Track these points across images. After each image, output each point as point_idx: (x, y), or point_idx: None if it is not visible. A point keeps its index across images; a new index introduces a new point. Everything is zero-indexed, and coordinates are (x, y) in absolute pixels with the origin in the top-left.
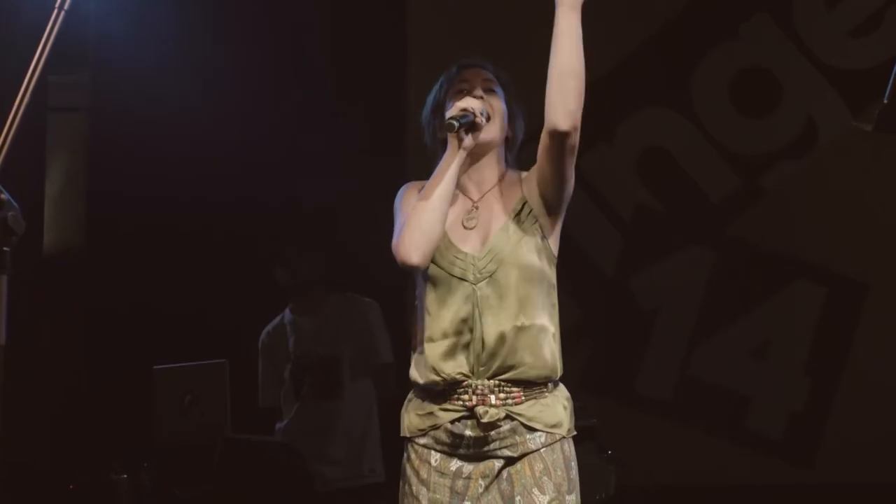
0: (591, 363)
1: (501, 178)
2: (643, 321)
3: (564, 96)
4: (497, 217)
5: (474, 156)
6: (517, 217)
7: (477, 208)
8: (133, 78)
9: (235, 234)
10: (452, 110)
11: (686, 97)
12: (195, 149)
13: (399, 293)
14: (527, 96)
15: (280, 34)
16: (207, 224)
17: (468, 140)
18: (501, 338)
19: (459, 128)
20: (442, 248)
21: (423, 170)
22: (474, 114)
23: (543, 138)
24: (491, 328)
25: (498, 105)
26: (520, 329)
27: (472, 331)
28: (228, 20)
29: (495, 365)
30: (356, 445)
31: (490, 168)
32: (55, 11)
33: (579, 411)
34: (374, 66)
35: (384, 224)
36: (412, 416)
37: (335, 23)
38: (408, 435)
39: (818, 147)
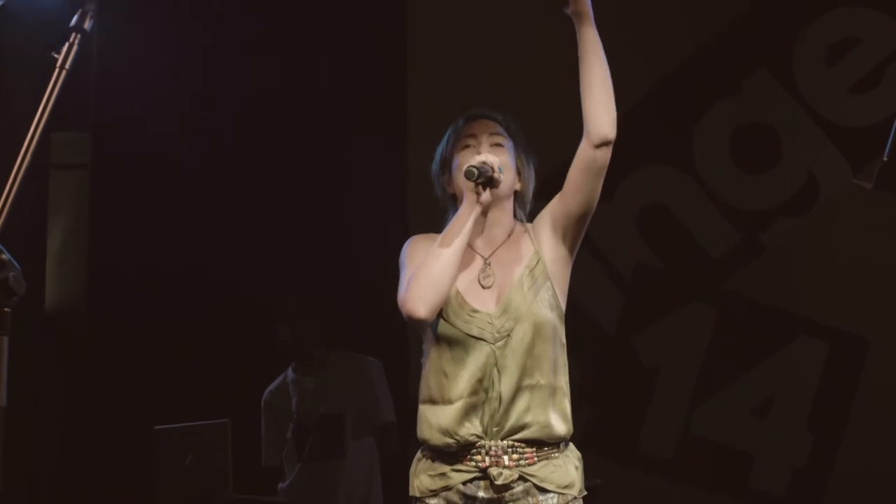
0: (592, 422)
1: (511, 233)
2: (645, 379)
3: (608, 105)
4: (511, 273)
5: (485, 211)
6: (531, 273)
7: (489, 265)
8: (134, 135)
9: (237, 292)
10: (473, 161)
11: (686, 153)
12: (196, 207)
13: (401, 351)
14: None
15: (283, 89)
16: (209, 281)
17: (486, 195)
18: (516, 397)
19: (478, 177)
20: (456, 307)
21: (424, 228)
22: (492, 168)
23: (583, 156)
24: (507, 388)
25: (505, 160)
26: (534, 388)
27: (487, 391)
28: (228, 79)
29: (509, 424)
30: None
31: (500, 224)
32: (56, 71)
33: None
34: (374, 141)
35: (387, 281)
36: (423, 477)
37: (332, 66)
38: (418, 495)
39: (819, 203)
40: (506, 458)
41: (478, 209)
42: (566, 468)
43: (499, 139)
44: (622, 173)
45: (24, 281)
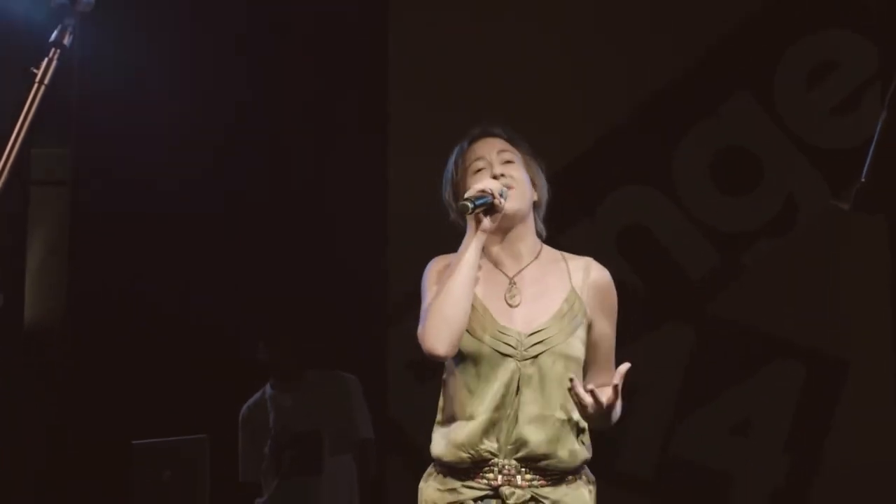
0: None
1: (538, 254)
2: (623, 399)
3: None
4: (542, 298)
5: (504, 230)
6: (571, 308)
7: (515, 284)
8: (116, 151)
9: (216, 309)
10: (469, 191)
11: (667, 175)
12: (176, 224)
13: (379, 368)
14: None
15: (271, 101)
16: (188, 298)
17: (487, 222)
18: (539, 426)
19: (475, 209)
20: (484, 323)
21: (403, 245)
22: (493, 195)
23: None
24: (529, 409)
25: (519, 175)
26: (559, 422)
27: (507, 408)
28: (211, 94)
29: (525, 451)
30: None
31: (524, 241)
32: (35, 86)
33: None
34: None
35: (367, 297)
36: (432, 491)
37: (314, 81)
38: None
39: (798, 225)
40: (519, 478)
41: (481, 238)
42: (580, 491)
43: (508, 155)
44: (603, 193)
45: (1, 293)
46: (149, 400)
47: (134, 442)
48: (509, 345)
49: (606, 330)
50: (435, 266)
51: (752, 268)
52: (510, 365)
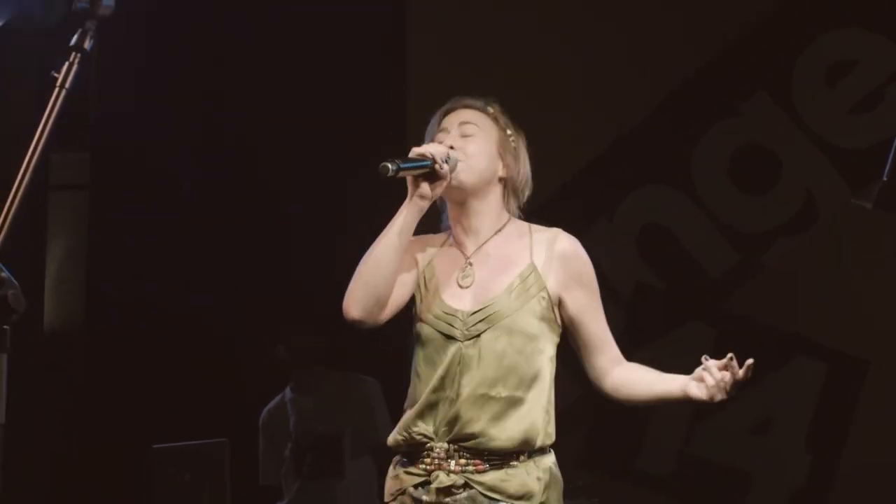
0: (590, 441)
1: (501, 228)
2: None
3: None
4: (496, 276)
5: (460, 203)
6: (524, 281)
7: (471, 265)
8: (133, 156)
9: (236, 312)
10: (408, 154)
11: (686, 174)
12: (195, 228)
13: (399, 371)
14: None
15: (282, 100)
16: (208, 301)
17: (426, 188)
18: (471, 404)
19: (399, 171)
20: (433, 306)
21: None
22: (434, 160)
23: (586, 364)
24: (465, 390)
25: (475, 148)
26: (492, 399)
27: (445, 389)
28: (230, 100)
29: (455, 429)
30: None
31: (483, 216)
32: (56, 90)
33: (579, 490)
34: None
35: None
36: (388, 480)
37: (335, 89)
38: (386, 500)
39: (818, 224)
40: (451, 462)
41: (417, 203)
42: (523, 478)
43: (469, 128)
44: (622, 193)
45: (24, 299)
46: (168, 403)
47: (154, 445)
48: (453, 325)
49: (582, 300)
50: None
51: (772, 267)
52: (452, 346)
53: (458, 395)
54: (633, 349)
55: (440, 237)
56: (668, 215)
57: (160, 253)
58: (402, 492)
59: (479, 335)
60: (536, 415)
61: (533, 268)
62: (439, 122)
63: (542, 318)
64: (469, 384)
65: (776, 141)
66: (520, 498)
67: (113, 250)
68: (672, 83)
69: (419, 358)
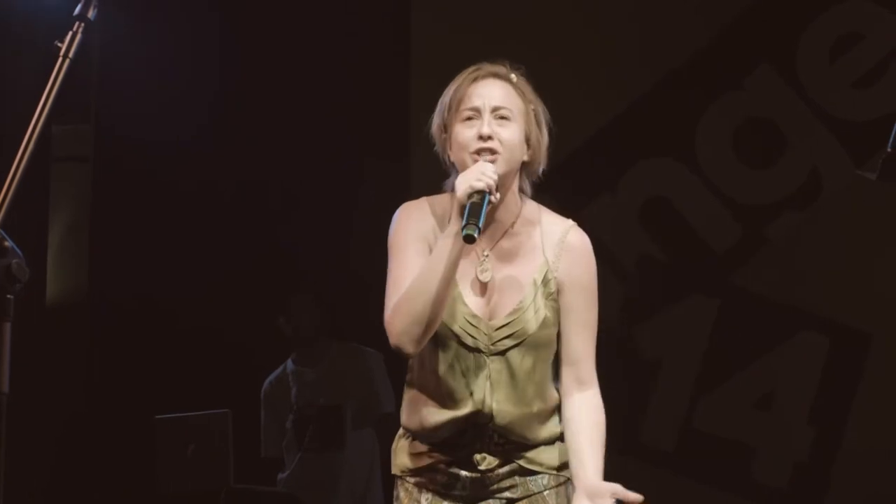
0: None
1: (517, 218)
2: (646, 372)
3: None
4: (512, 275)
5: None
6: (541, 289)
7: (488, 256)
8: (136, 128)
9: (239, 283)
10: (465, 197)
11: (689, 148)
12: (198, 199)
13: None
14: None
15: (285, 83)
16: (210, 273)
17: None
18: (516, 424)
19: (481, 230)
20: (455, 310)
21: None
22: (490, 191)
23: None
24: (504, 408)
25: (509, 136)
26: (535, 415)
27: (476, 402)
28: (234, 71)
29: (505, 442)
30: (359, 495)
31: (504, 207)
32: (60, 59)
33: None
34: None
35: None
36: (404, 455)
37: (335, 56)
38: (398, 473)
39: (822, 197)
40: (493, 446)
41: None
42: (558, 450)
43: (504, 111)
44: (625, 166)
45: (28, 268)
46: (170, 375)
47: (157, 417)
48: (476, 337)
49: (572, 303)
50: (404, 215)
51: (776, 240)
52: (477, 359)
53: (495, 414)
54: (635, 321)
55: (441, 205)
56: (671, 188)
57: (163, 224)
58: (431, 468)
59: (504, 351)
60: (557, 414)
61: (546, 266)
62: (466, 92)
63: (554, 323)
64: (505, 401)
65: (780, 114)
66: (558, 468)
67: (115, 222)
68: (677, 57)
69: (438, 357)
